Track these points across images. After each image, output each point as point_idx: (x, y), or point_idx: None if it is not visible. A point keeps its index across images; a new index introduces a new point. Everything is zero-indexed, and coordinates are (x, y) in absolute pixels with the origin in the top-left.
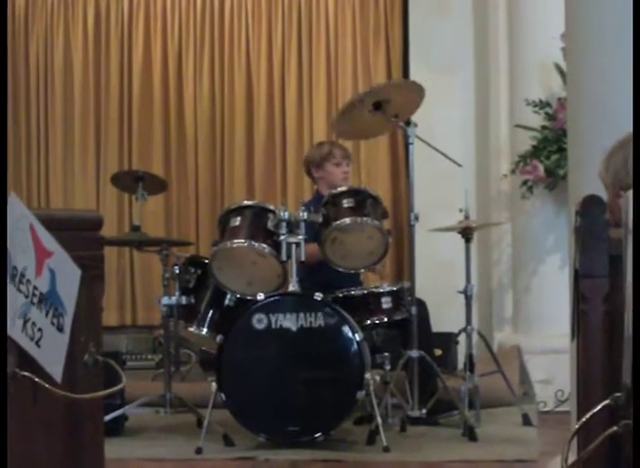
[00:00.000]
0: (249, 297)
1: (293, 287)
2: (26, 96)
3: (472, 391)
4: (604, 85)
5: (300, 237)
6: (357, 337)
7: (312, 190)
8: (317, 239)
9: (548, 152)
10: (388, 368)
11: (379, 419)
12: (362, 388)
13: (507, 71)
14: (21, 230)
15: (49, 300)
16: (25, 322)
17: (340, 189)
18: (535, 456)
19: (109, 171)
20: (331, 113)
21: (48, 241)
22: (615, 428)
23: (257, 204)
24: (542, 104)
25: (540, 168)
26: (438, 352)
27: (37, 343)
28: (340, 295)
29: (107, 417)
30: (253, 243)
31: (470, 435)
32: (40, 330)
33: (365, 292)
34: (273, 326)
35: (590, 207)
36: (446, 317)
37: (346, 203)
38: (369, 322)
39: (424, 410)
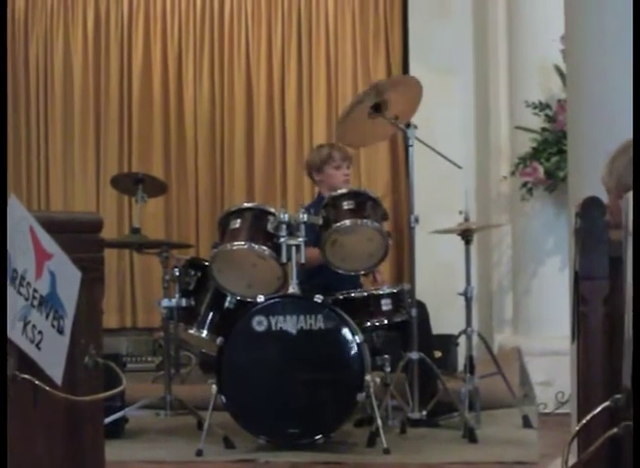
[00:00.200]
0: (249, 300)
1: (293, 289)
2: (26, 98)
3: (472, 393)
4: (604, 87)
5: (301, 239)
6: (357, 339)
7: (313, 192)
8: (317, 241)
9: (548, 154)
10: (388, 370)
11: (379, 421)
12: (362, 390)
13: (507, 73)
14: (21, 232)
15: (49, 303)
16: (26, 324)
17: (340, 191)
18: (535, 458)
19: (109, 173)
20: (331, 115)
21: (48, 243)
22: (615, 430)
23: (257, 206)
24: (542, 106)
25: (540, 170)
26: (438, 354)
27: (37, 346)
28: (341, 298)
29: (108, 420)
30: (253, 245)
31: (470, 437)
32: (40, 332)
33: (365, 294)
34: (273, 328)
35: (590, 209)
36: (446, 319)
37: (346, 205)
38: (369, 324)
39: (425, 412)
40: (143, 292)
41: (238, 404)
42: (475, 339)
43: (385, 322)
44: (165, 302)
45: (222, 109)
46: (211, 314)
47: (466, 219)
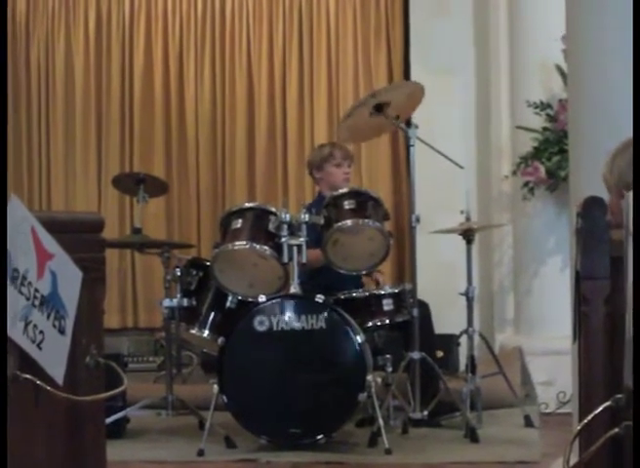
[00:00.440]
0: (250, 299)
1: (294, 289)
2: (28, 98)
3: (474, 393)
4: (605, 86)
5: (302, 239)
6: (359, 339)
7: (314, 192)
8: (319, 242)
9: (549, 153)
10: (390, 369)
11: (380, 421)
12: (364, 390)
13: (508, 72)
14: (23, 233)
15: (50, 303)
16: (27, 324)
17: (341, 191)
18: (536, 458)
19: (111, 173)
20: (332, 114)
21: (49, 243)
22: (616, 430)
23: (258, 206)
24: (543, 106)
25: (542, 169)
26: (440, 354)
27: (39, 346)
28: (342, 297)
29: (109, 420)
30: (254, 245)
31: (472, 436)
32: (42, 332)
33: (366, 294)
34: (275, 328)
35: (591, 208)
36: (447, 319)
37: (348, 205)
38: (370, 324)
39: (426, 412)
40: (145, 291)
41: (240, 404)
42: (477, 339)
43: (387, 322)
44: (166, 302)
45: (224, 109)
46: (212, 314)
47: (468, 219)
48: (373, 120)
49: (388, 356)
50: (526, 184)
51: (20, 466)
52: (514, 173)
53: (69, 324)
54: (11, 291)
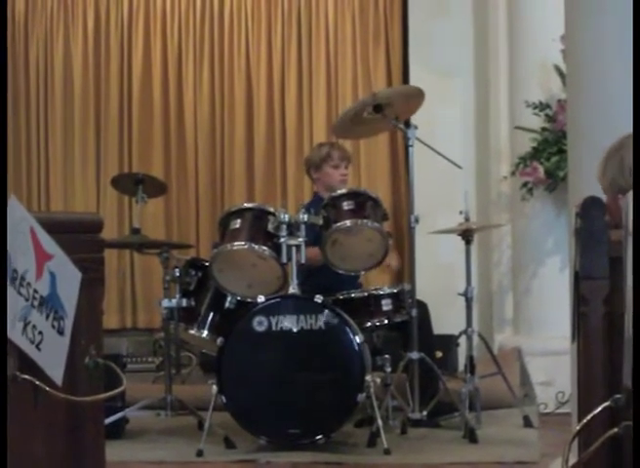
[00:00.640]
0: (249, 300)
1: (293, 289)
2: (26, 99)
3: (473, 393)
4: (604, 86)
5: (301, 239)
6: (358, 340)
7: (312, 192)
8: (318, 241)
9: (548, 154)
10: (389, 370)
11: (379, 421)
12: (363, 390)
13: (507, 73)
14: (22, 233)
15: (49, 303)
16: (26, 325)
17: (340, 191)
18: (535, 458)
19: (109, 173)
20: (331, 116)
21: (48, 244)
22: (615, 430)
23: (257, 206)
24: (542, 106)
25: (540, 169)
26: (439, 354)
27: (38, 346)
28: (341, 298)
29: (108, 420)
30: (253, 245)
31: (471, 437)
32: (41, 333)
33: (365, 294)
34: (274, 328)
35: (590, 208)
36: (446, 319)
37: (347, 205)
38: (369, 324)
39: (425, 413)
40: (144, 292)
41: (239, 404)
42: (476, 339)
43: (386, 322)
44: (165, 303)
45: (222, 110)
46: (211, 314)
47: (466, 219)
48: (371, 120)
49: (387, 356)
50: (525, 185)
51: (19, 466)
52: (513, 173)
53: (68, 324)
54: (10, 291)
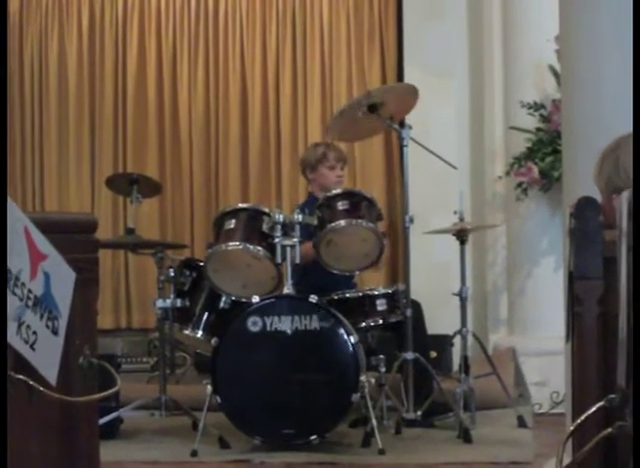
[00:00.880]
0: (244, 300)
1: (287, 289)
2: (21, 98)
3: (467, 393)
4: (598, 87)
5: (295, 239)
6: (352, 340)
7: (307, 192)
8: (310, 235)
9: (543, 154)
10: (383, 370)
11: (374, 422)
12: (357, 390)
13: (502, 73)
14: (16, 233)
15: (43, 303)
16: (20, 325)
17: (334, 192)
18: (530, 458)
19: (104, 173)
20: (325, 116)
21: (42, 244)
22: (609, 430)
23: (251, 206)
24: (537, 106)
25: (535, 170)
26: (433, 354)
27: (32, 346)
28: (335, 298)
29: (102, 420)
30: (247, 245)
31: (465, 437)
32: (35, 333)
33: (360, 294)
34: (268, 328)
35: (585, 209)
36: (441, 319)
37: (341, 205)
38: (364, 324)
39: (419, 413)
40: (138, 292)
41: (233, 404)
42: (470, 339)
43: (380, 322)
44: (160, 303)
45: (217, 110)
46: (206, 314)
47: (461, 219)
48: (366, 120)
49: (382, 356)
50: (519, 185)
51: (13, 466)
52: (508, 173)
53: (62, 324)
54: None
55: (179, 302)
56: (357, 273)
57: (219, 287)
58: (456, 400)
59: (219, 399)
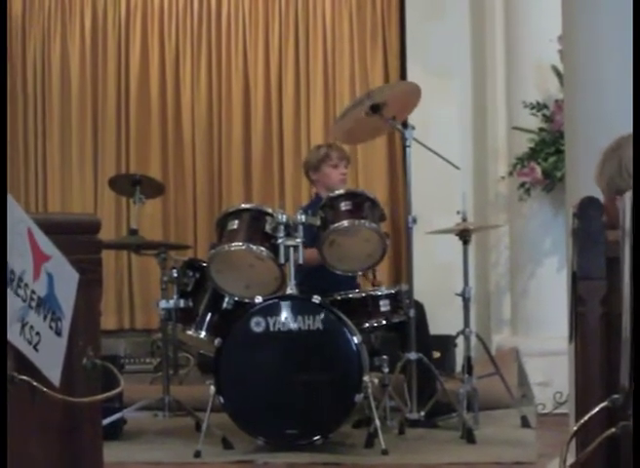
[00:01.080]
0: (247, 300)
1: (291, 290)
2: (24, 99)
3: (471, 393)
4: (600, 87)
5: (298, 240)
6: (355, 340)
7: (310, 193)
8: (315, 242)
9: (546, 154)
10: (387, 370)
11: (377, 422)
12: (360, 391)
13: (504, 73)
14: (19, 234)
15: (47, 304)
16: (23, 326)
17: (337, 192)
18: (533, 458)
19: (107, 174)
20: (328, 116)
21: (45, 245)
22: (613, 430)
23: (254, 207)
24: (540, 106)
25: (538, 170)
26: (436, 354)
27: (35, 347)
28: (339, 298)
29: (106, 421)
30: (251, 246)
31: (469, 437)
32: (38, 334)
33: (363, 294)
34: (271, 329)
35: (588, 209)
36: (444, 319)
37: (344, 206)
38: (367, 325)
39: (423, 413)
40: (141, 293)
41: (236, 405)
42: (473, 340)
43: (384, 322)
44: (163, 303)
45: (220, 110)
46: (209, 315)
47: (464, 220)
48: (369, 121)
49: (385, 357)
50: (522, 185)
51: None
52: (510, 173)
53: (66, 325)
54: (7, 292)
55: (182, 303)
56: (360, 274)
57: (222, 287)
58: (459, 400)
59: (222, 399)
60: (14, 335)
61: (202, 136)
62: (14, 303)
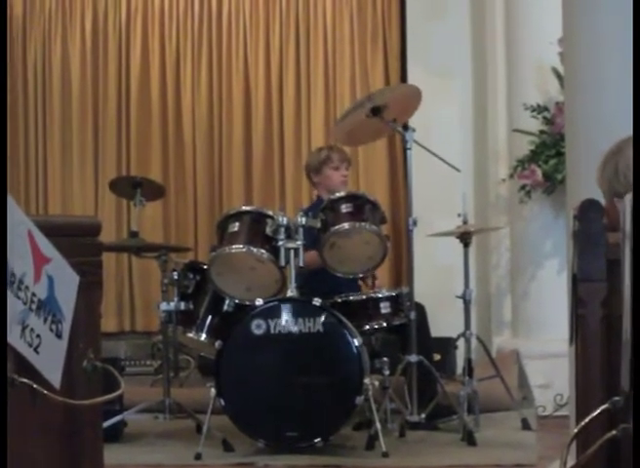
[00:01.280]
0: (247, 303)
1: (291, 292)
2: (24, 102)
3: (471, 396)
4: (601, 89)
5: (299, 242)
6: (356, 342)
7: (311, 195)
8: (316, 244)
9: (546, 156)
10: (387, 372)
11: (378, 424)
12: (361, 393)
13: (505, 75)
14: (19, 236)
15: (47, 307)
16: (24, 328)
17: (338, 194)
18: (533, 461)
19: (107, 177)
20: (329, 118)
21: (46, 247)
22: (613, 432)
23: (255, 209)
24: (540, 109)
25: (539, 172)
26: (437, 357)
27: (36, 350)
28: (339, 301)
29: (106, 423)
30: (251, 248)
31: (469, 440)
32: (38, 336)
33: (364, 297)
34: (272, 331)
35: (588, 211)
36: (444, 322)
37: (345, 208)
38: (368, 327)
39: (423, 415)
40: (142, 295)
41: (237, 407)
42: (474, 342)
43: (384, 325)
44: (163, 306)
45: (221, 112)
46: (209, 317)
47: (465, 222)
48: (369, 123)
49: (385, 359)
50: (523, 187)
51: None
52: (511, 176)
53: (66, 328)
54: (8, 295)
55: (182, 305)
56: (361, 276)
57: (222, 290)
58: (459, 402)
59: (222, 402)
60: (14, 338)
61: (203, 138)
62: (14, 306)
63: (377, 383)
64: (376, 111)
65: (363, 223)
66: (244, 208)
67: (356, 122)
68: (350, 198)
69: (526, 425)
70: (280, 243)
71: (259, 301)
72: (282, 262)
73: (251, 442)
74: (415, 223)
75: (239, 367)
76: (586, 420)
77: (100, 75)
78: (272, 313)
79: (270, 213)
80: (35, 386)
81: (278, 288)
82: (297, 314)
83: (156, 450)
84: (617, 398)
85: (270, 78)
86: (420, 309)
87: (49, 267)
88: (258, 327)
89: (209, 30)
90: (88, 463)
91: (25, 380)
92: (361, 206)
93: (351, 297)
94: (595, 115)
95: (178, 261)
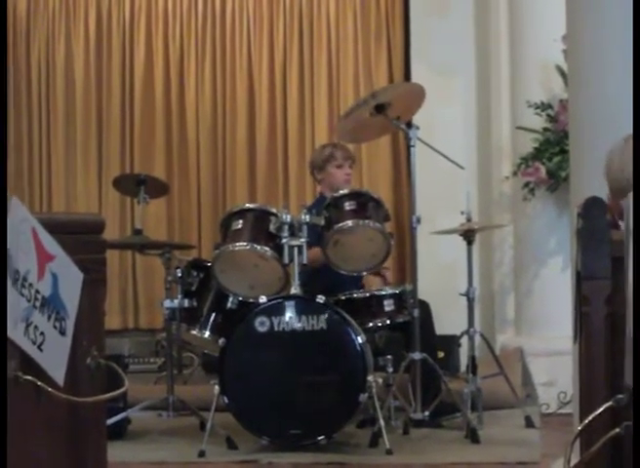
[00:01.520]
0: (251, 300)
1: (295, 290)
2: (28, 100)
3: (475, 393)
4: (605, 86)
5: (303, 240)
6: (360, 340)
7: (315, 193)
8: (319, 242)
9: (550, 154)
10: (391, 370)
11: (381, 422)
12: (365, 391)
13: (509, 73)
14: (23, 234)
15: (51, 304)
16: (28, 326)
17: (341, 192)
18: (537, 458)
19: (111, 174)
20: (332, 115)
21: (50, 244)
22: (617, 430)
23: (259, 207)
24: (544, 106)
25: (542, 170)
26: (441, 354)
27: (39, 347)
28: (343, 298)
29: (110, 421)
30: (255, 246)
31: (473, 437)
32: (42, 333)
33: (367, 294)
34: (276, 328)
35: (592, 208)
36: (448, 319)
37: (348, 205)
38: (371, 324)
39: (427, 413)
40: (146, 293)
41: (240, 404)
42: (477, 340)
43: (388, 322)
44: (167, 303)
45: (224, 110)
46: (213, 315)
47: (468, 220)
48: (373, 121)
49: (389, 356)
50: (526, 185)
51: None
52: (515, 173)
53: (70, 325)
54: (12, 292)
55: (186, 303)
56: (364, 273)
57: (226, 287)
58: (463, 400)
59: (226, 399)
60: (18, 335)
61: (206, 136)
62: (18, 303)
63: (380, 381)
64: (379, 109)
65: (367, 221)
66: (247, 205)
67: (360, 120)
68: (354, 195)
69: (530, 423)
70: (284, 240)
71: (262, 299)
72: (286, 260)
73: (254, 439)
74: (418, 221)
75: (243, 364)
76: (590, 418)
77: (104, 74)
78: (276, 310)
79: (274, 210)
80: (39, 383)
81: (282, 285)
82: (300, 311)
83: (160, 448)
84: (620, 396)
85: (274, 76)
86: (424, 306)
87: (53, 265)
88: (261, 324)
89: (212, 29)
90: (92, 460)
91: (30, 378)
92: (365, 203)
93: (355, 295)
94: (599, 112)
95: (181, 259)
